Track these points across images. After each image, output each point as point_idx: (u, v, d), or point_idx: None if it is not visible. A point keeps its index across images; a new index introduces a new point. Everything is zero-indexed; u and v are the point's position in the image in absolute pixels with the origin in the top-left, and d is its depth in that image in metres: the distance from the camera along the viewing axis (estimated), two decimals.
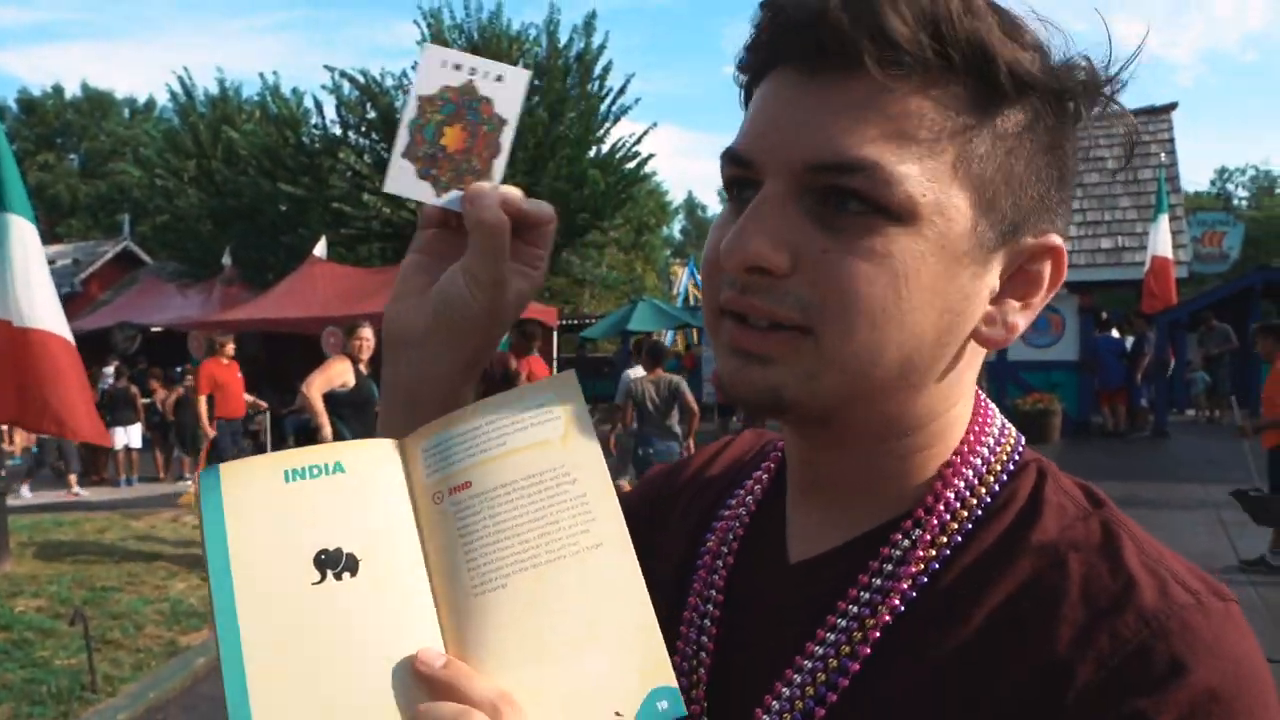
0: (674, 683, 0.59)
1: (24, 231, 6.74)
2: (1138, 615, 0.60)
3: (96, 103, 50.16)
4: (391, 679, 0.55)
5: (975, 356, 0.72)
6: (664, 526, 0.90)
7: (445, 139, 0.72)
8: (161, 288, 24.34)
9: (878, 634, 0.67)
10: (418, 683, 0.56)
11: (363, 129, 21.86)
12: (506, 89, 0.73)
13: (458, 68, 0.73)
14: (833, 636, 0.69)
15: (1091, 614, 0.61)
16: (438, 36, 20.43)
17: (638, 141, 21.73)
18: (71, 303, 27.11)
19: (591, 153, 21.44)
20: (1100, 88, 0.67)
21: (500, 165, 0.73)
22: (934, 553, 0.68)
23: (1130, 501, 8.37)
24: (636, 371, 8.36)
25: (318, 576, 0.56)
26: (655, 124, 22.02)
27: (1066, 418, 15.71)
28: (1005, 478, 0.72)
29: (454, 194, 0.72)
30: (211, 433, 11.17)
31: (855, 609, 0.69)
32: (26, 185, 7.00)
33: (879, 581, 0.69)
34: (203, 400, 11.08)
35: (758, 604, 0.77)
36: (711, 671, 0.76)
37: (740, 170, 0.69)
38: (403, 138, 0.71)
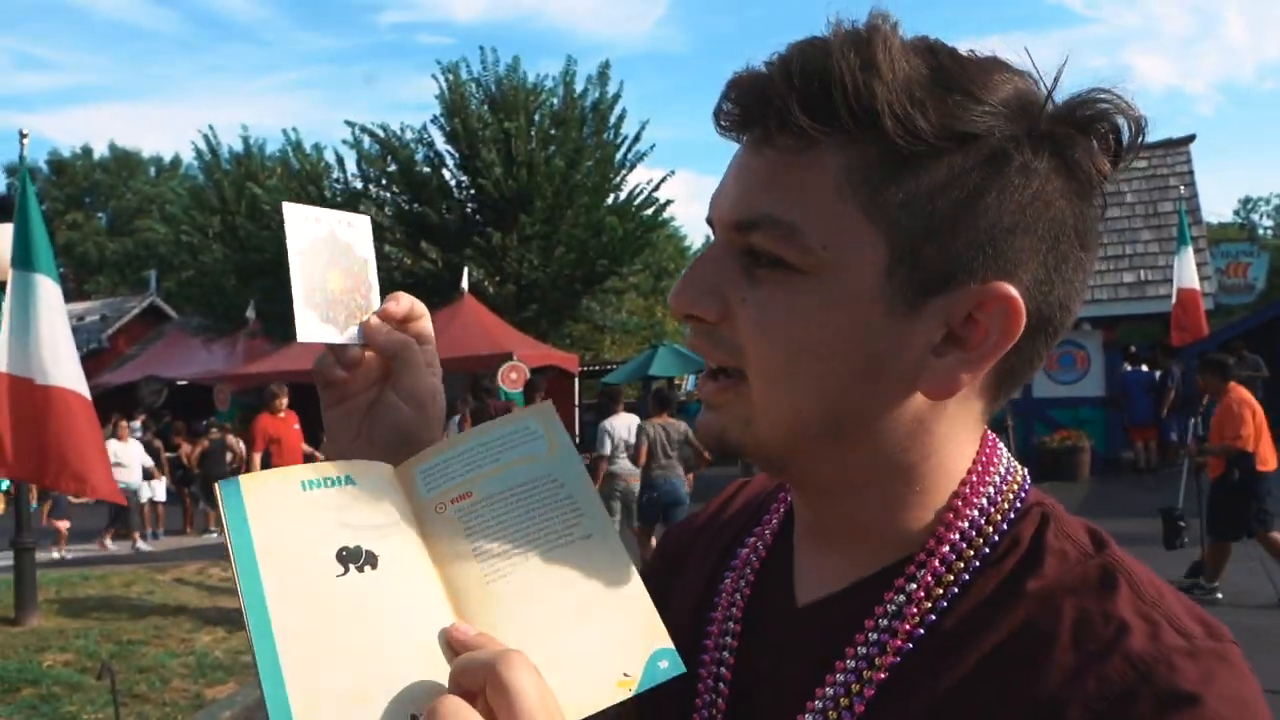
0: (671, 645, 0.65)
1: (49, 291, 6.90)
2: (1125, 659, 0.60)
3: (124, 162, 51.19)
4: (421, 655, 0.60)
5: (942, 407, 0.70)
6: (680, 574, 0.93)
7: (331, 284, 0.80)
8: (187, 342, 24.66)
9: (882, 676, 0.68)
10: (446, 656, 0.61)
11: (383, 182, 22.19)
12: (356, 232, 0.83)
13: (318, 220, 0.81)
14: (842, 678, 0.70)
15: (1081, 658, 0.61)
16: (456, 89, 20.75)
17: (655, 188, 21.95)
18: (99, 358, 27.52)
19: (609, 200, 21.65)
20: (1052, 133, 0.65)
21: (375, 297, 0.82)
22: (940, 593, 0.69)
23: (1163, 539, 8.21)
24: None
25: (341, 570, 0.61)
26: (673, 171, 22.26)
27: (1095, 454, 15.51)
28: (1006, 525, 0.72)
29: (352, 330, 0.80)
30: None
31: (864, 650, 0.70)
32: (55, 244, 7.15)
33: (885, 622, 0.70)
34: (257, 458, 9.81)
35: (770, 645, 0.78)
36: (728, 712, 0.78)
37: (710, 227, 0.74)
38: (298, 290, 0.78)
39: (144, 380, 21.07)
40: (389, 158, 21.63)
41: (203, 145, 25.43)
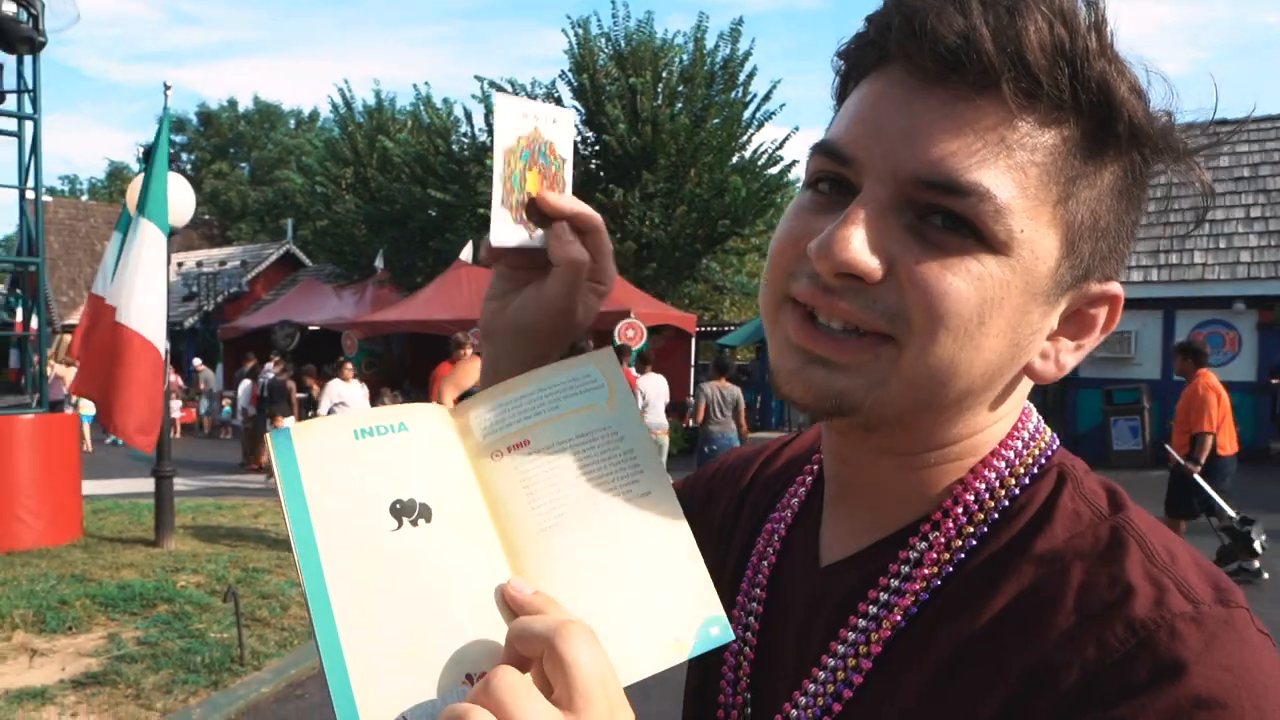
0: (722, 612, 0.64)
1: (149, 235, 7.30)
2: (1126, 624, 0.59)
3: (266, 115, 53.19)
4: (476, 611, 0.59)
5: (1025, 385, 0.72)
6: (719, 506, 0.95)
7: (529, 185, 0.78)
8: (319, 288, 25.54)
9: (889, 634, 0.68)
10: (501, 611, 0.59)
11: None
12: (561, 129, 0.80)
13: (524, 115, 0.78)
14: (852, 636, 0.70)
15: (1083, 622, 0.60)
16: (585, 44, 20.72)
17: (779, 147, 21.54)
18: (238, 301, 28.84)
19: (734, 159, 21.33)
20: (1190, 153, 0.66)
21: (568, 199, 0.80)
22: (948, 556, 0.69)
23: None
24: (714, 386, 10.20)
25: (395, 524, 0.60)
26: (797, 128, 21.80)
27: (1241, 443, 14.61)
28: (1026, 482, 0.71)
29: (540, 233, 0.79)
30: None
31: (874, 610, 0.70)
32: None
33: (896, 583, 0.70)
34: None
35: (793, 605, 0.79)
36: (754, 668, 0.79)
37: (835, 166, 0.67)
38: (498, 190, 0.76)
39: (279, 324, 21.94)
40: None
41: (338, 99, 26.14)
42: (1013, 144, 0.62)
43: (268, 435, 0.62)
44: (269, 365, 17.23)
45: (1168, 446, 8.49)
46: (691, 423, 9.95)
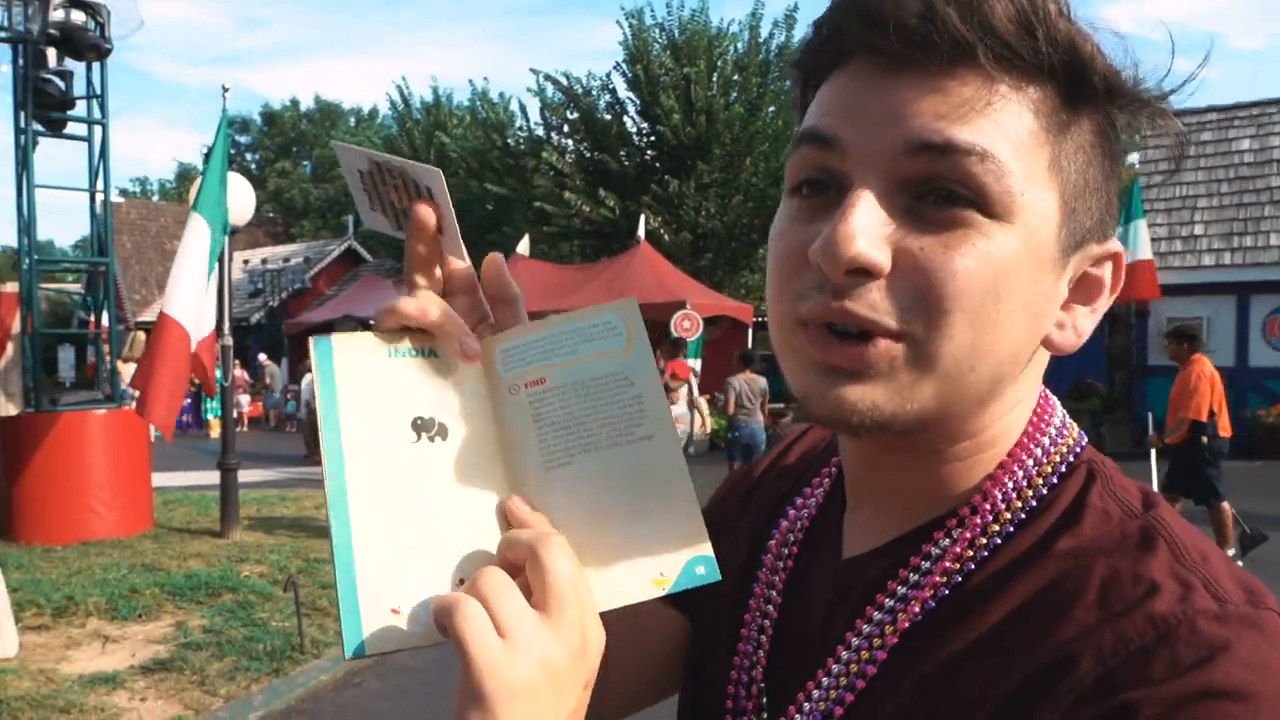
0: (710, 552, 0.66)
1: (197, 227, 7.61)
2: (1147, 618, 0.57)
3: (327, 113, 54.06)
4: (475, 525, 0.65)
5: (1042, 360, 0.71)
6: (744, 511, 0.93)
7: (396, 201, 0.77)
8: (379, 284, 25.93)
9: (906, 625, 0.67)
10: (501, 528, 0.65)
11: (564, 129, 22.49)
12: (432, 179, 0.74)
13: (370, 159, 0.76)
14: (867, 629, 0.69)
15: (1102, 616, 0.59)
16: (639, 35, 20.69)
17: None
18: (301, 297, 29.39)
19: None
20: (1161, 98, 0.66)
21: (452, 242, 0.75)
22: (971, 553, 0.67)
23: None
24: (741, 379, 10.97)
25: (414, 437, 0.65)
26: None
27: None
28: (1055, 480, 0.69)
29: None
30: None
31: (891, 603, 0.69)
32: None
33: (915, 578, 0.69)
34: None
35: (813, 598, 0.78)
36: (768, 663, 0.78)
37: (820, 154, 0.65)
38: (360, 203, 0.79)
39: (341, 320, 22.35)
40: (571, 106, 21.88)
41: (396, 96, 26.58)
42: (998, 107, 0.61)
43: (311, 338, 0.66)
44: None
45: (1151, 430, 8.78)
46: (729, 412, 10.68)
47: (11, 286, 9.58)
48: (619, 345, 0.72)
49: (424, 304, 0.68)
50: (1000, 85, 0.61)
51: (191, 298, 7.47)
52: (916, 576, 0.68)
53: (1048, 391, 0.74)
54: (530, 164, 21.62)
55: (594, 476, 0.68)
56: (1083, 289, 0.68)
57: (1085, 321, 0.69)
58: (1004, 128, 0.61)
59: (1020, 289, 0.62)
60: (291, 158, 51.90)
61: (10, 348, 9.46)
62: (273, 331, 27.66)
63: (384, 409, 0.66)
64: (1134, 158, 16.70)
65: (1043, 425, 0.72)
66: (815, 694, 0.71)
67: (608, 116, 21.63)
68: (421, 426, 0.66)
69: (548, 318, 0.75)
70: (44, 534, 8.46)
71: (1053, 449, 0.71)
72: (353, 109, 54.87)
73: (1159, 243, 14.24)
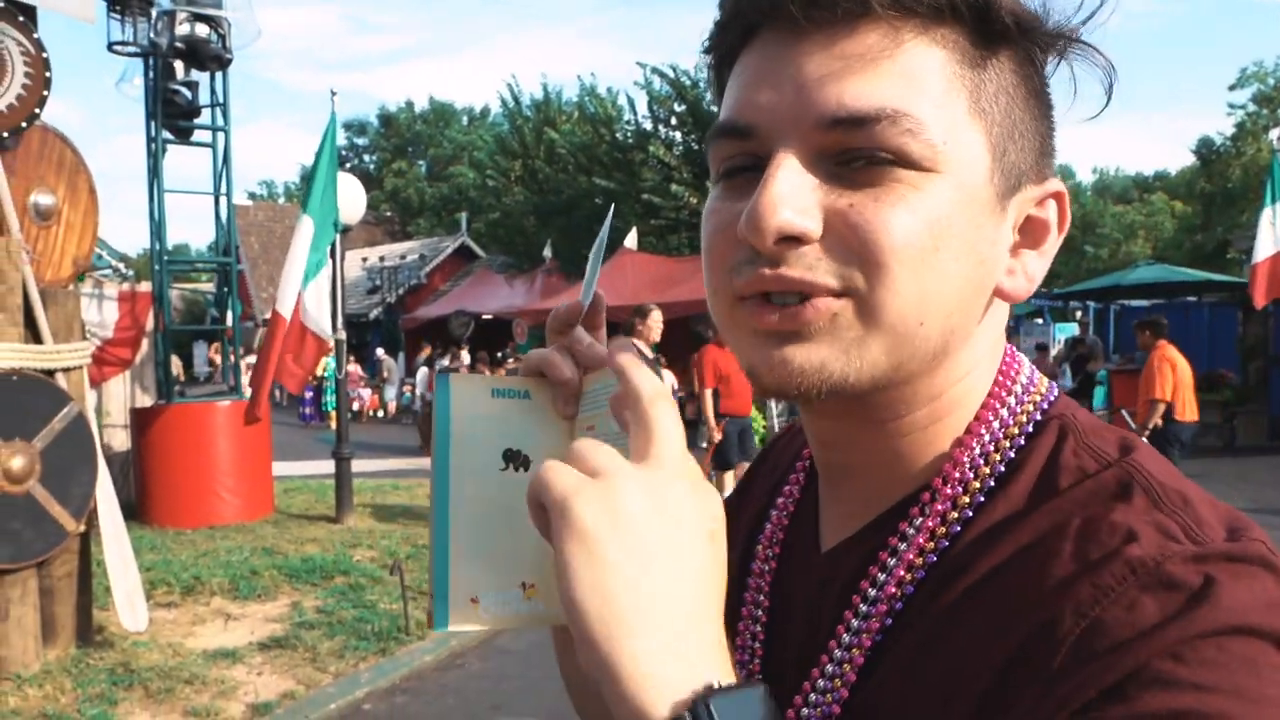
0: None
1: (303, 226, 8.06)
2: (1125, 563, 0.55)
3: (440, 113, 55.36)
4: (542, 544, 0.69)
5: (999, 312, 0.70)
6: (736, 518, 0.93)
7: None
8: (491, 278, 26.48)
9: (886, 609, 0.66)
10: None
11: (672, 122, 22.52)
12: None
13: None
14: (856, 622, 0.68)
15: (1079, 568, 0.57)
16: None
17: None
18: (418, 293, 30.20)
19: None
20: (1074, 32, 0.65)
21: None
22: (944, 529, 0.66)
23: None
24: None
25: (504, 465, 0.74)
26: None
27: None
28: (1022, 441, 0.68)
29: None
30: (717, 435, 8.56)
31: (874, 591, 0.68)
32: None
33: (892, 562, 0.67)
34: (708, 395, 8.48)
35: (797, 594, 0.77)
36: (764, 661, 0.78)
37: (738, 144, 0.65)
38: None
39: (454, 314, 22.93)
40: (678, 98, 21.89)
41: (506, 94, 27.04)
42: (904, 61, 0.60)
43: (435, 376, 0.77)
44: (445, 358, 18.02)
45: (1124, 412, 9.47)
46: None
47: (146, 286, 10.17)
48: None
49: (560, 363, 0.74)
50: (904, 35, 0.61)
51: (291, 292, 7.85)
52: (894, 561, 0.67)
53: (1013, 348, 0.73)
54: (638, 157, 21.73)
55: None
56: (1029, 232, 0.67)
57: (1035, 265, 0.68)
58: (913, 78, 0.60)
59: (959, 236, 0.62)
60: (407, 158, 53.36)
61: (145, 343, 10.07)
62: (390, 326, 28.53)
63: (484, 439, 0.75)
64: (1276, 133, 15.67)
65: (1008, 384, 0.70)
66: (812, 696, 0.69)
67: (715, 107, 21.52)
68: (510, 457, 0.75)
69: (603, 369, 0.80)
70: (174, 518, 8.98)
71: (1019, 407, 0.69)
72: (465, 108, 56.07)
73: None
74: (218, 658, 5.56)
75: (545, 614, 0.71)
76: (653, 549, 0.53)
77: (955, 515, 0.66)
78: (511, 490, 0.73)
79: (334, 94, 8.61)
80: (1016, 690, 0.55)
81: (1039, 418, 0.69)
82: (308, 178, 8.25)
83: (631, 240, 18.38)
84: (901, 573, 0.66)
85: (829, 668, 0.68)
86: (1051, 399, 0.71)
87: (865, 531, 0.71)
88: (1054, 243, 0.68)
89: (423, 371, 18.77)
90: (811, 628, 0.72)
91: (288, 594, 6.88)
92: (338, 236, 8.74)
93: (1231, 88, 35.14)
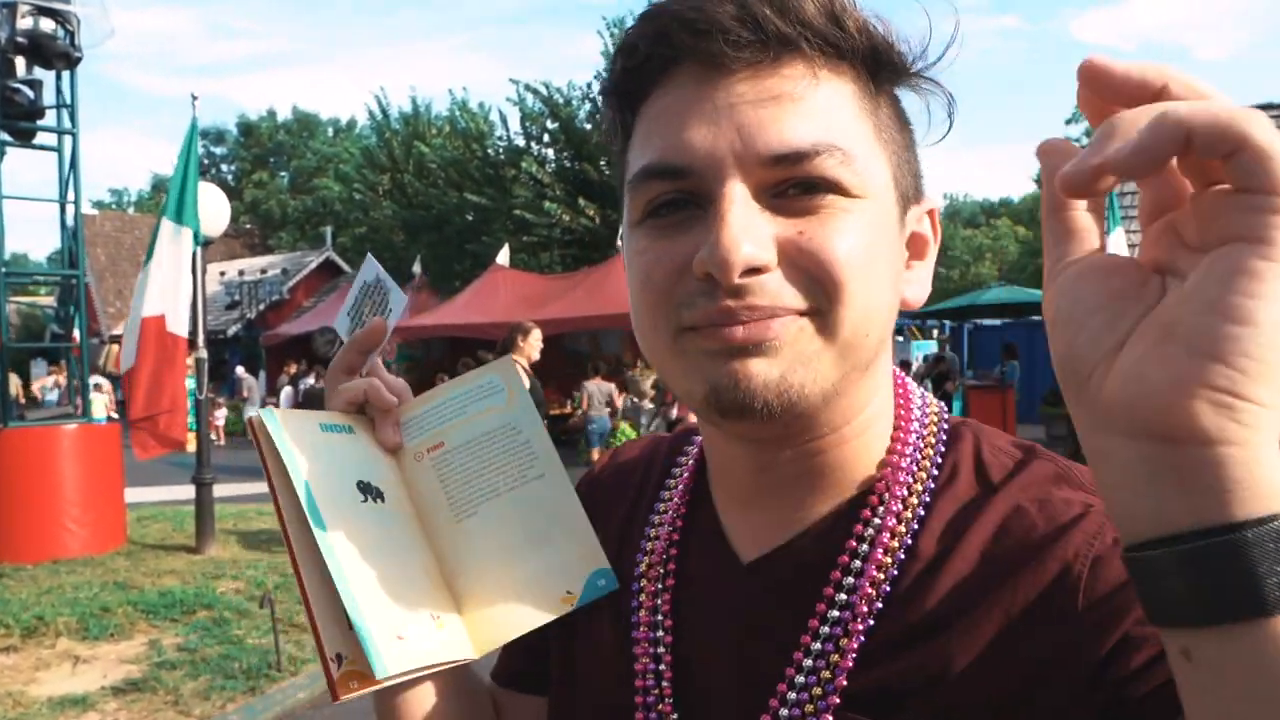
0: (608, 566, 0.79)
1: (185, 237, 7.88)
2: (1096, 513, 0.67)
3: (304, 124, 53.81)
4: (423, 569, 0.75)
5: (892, 331, 0.74)
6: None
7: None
8: None
9: (880, 606, 0.70)
10: (423, 583, 0.75)
11: (544, 139, 22.45)
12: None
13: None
14: (825, 629, 0.70)
15: (1059, 530, 0.67)
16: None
17: None
18: (280, 309, 29.20)
19: None
20: (926, 69, 0.72)
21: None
22: (903, 528, 0.72)
23: None
24: (594, 384, 13.52)
25: (362, 498, 0.74)
26: None
27: None
28: (944, 448, 0.76)
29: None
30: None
31: (843, 596, 0.71)
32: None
33: (858, 563, 0.71)
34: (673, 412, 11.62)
35: (715, 613, 0.77)
36: (674, 679, 0.77)
37: (673, 184, 0.67)
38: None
39: (318, 331, 22.17)
40: (551, 115, 21.84)
41: (374, 107, 26.42)
42: (825, 95, 0.66)
43: (259, 412, 0.73)
44: (309, 377, 17.40)
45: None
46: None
47: None
48: (502, 400, 0.84)
49: (375, 390, 0.81)
50: (819, 71, 0.66)
51: (186, 309, 7.55)
52: (859, 562, 0.71)
53: (895, 368, 0.80)
54: (510, 174, 21.54)
55: (500, 519, 0.78)
56: (915, 246, 0.76)
57: (925, 273, 0.77)
58: (835, 113, 0.66)
59: (883, 253, 0.69)
60: (269, 169, 51.68)
61: None
62: (250, 344, 27.44)
63: (334, 472, 0.74)
64: None
65: (910, 399, 0.78)
66: (790, 695, 0.70)
67: (588, 126, 21.62)
68: (365, 489, 0.75)
69: (437, 386, 0.86)
70: (13, 552, 8.25)
71: (926, 418, 0.78)
72: (331, 120, 54.69)
73: (1134, 249, 14.40)
74: (66, 705, 5.10)
75: (461, 644, 0.73)
76: None
77: (909, 514, 0.72)
78: (381, 521, 0.74)
79: (195, 98, 8.20)
80: (1043, 633, 0.64)
81: (946, 427, 0.78)
82: (170, 185, 7.81)
83: (503, 257, 18.20)
84: (873, 570, 0.70)
85: (807, 662, 0.70)
86: (945, 409, 0.81)
87: (805, 537, 0.74)
88: (933, 253, 0.77)
89: (287, 390, 18.06)
90: (761, 632, 0.74)
91: (144, 632, 6.40)
92: (198, 249, 8.30)
93: (1068, 121, 37.73)
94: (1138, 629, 0.61)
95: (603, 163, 20.93)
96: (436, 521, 0.78)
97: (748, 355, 0.65)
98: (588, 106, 21.81)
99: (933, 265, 0.77)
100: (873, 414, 0.74)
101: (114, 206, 54.79)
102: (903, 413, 0.77)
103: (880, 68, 0.70)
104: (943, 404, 0.81)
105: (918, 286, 0.75)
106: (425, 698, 0.80)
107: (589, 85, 21.87)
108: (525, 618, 0.74)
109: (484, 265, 19.48)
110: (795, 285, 0.65)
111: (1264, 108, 16.72)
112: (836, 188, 0.65)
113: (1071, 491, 0.70)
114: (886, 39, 0.69)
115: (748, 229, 0.64)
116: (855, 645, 0.69)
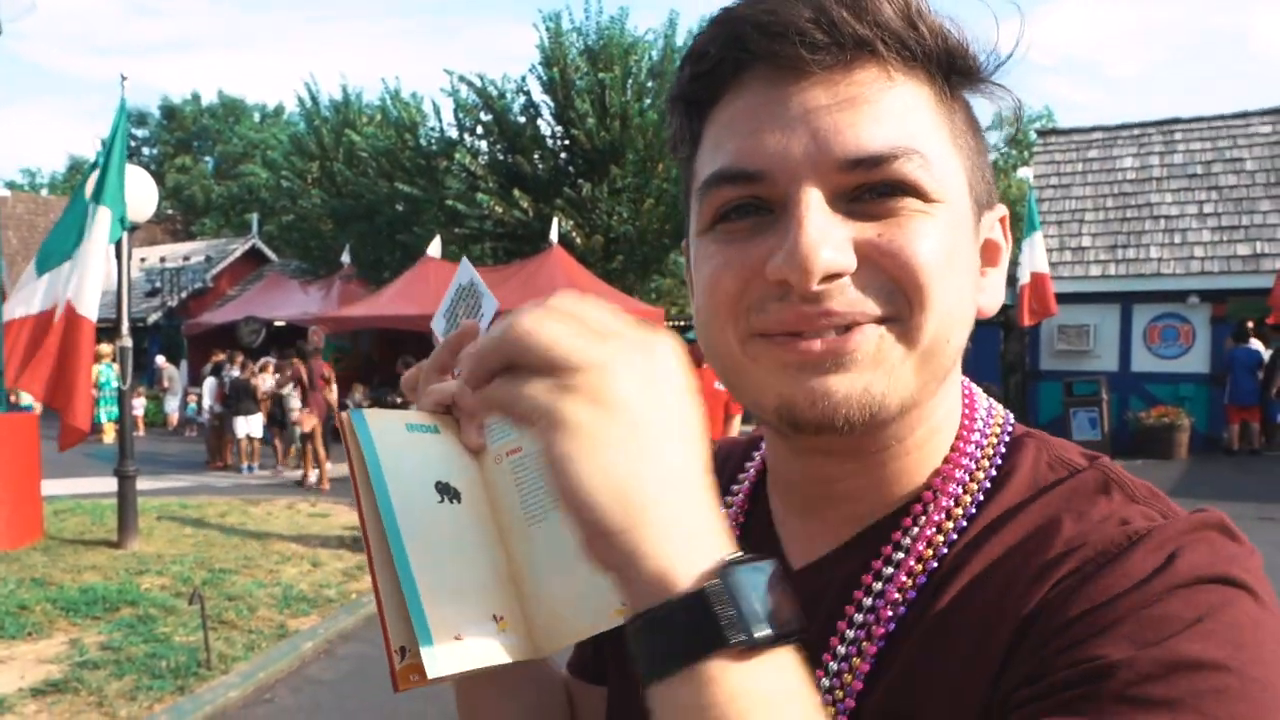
0: None
1: (103, 220, 7.55)
2: (1119, 525, 0.64)
3: (230, 109, 52.39)
4: (494, 570, 0.76)
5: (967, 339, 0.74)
6: None
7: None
8: (285, 284, 25.25)
9: (890, 615, 0.69)
10: (501, 579, 0.76)
11: (478, 131, 22.28)
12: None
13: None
14: (850, 633, 0.70)
15: (1064, 551, 0.64)
16: (555, 39, 20.65)
17: None
18: (203, 297, 28.44)
19: None
20: (993, 74, 0.72)
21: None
22: (941, 538, 0.70)
23: (1266, 519, 7.85)
24: None
25: (439, 498, 0.75)
26: None
27: (1195, 433, 14.92)
28: (1000, 459, 0.74)
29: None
30: None
31: (870, 600, 0.70)
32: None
33: (889, 570, 0.71)
34: None
35: None
36: None
37: (746, 189, 0.67)
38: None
39: (244, 320, 21.71)
40: (485, 107, 21.69)
41: (304, 93, 25.88)
42: (901, 99, 0.66)
43: (347, 413, 0.74)
44: (235, 369, 17.05)
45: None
46: None
47: None
48: None
49: (463, 392, 0.77)
50: (894, 74, 0.66)
51: (98, 295, 7.32)
52: (890, 569, 0.70)
53: (966, 378, 0.79)
54: (443, 165, 21.34)
55: (565, 527, 0.76)
56: (988, 252, 0.75)
57: (998, 280, 0.75)
58: (911, 116, 0.66)
59: (961, 258, 0.68)
60: (192, 153, 50.23)
61: None
62: (171, 333, 26.71)
63: (415, 472, 0.75)
64: (1027, 172, 17.42)
65: (975, 408, 0.77)
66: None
67: (522, 119, 21.50)
68: (442, 490, 0.76)
69: None
70: None
71: (988, 429, 0.76)
72: (257, 105, 53.34)
73: (1051, 253, 14.86)
74: None
75: (520, 646, 0.74)
76: (649, 418, 0.53)
77: (951, 525, 0.70)
78: (455, 522, 0.75)
79: (124, 78, 8.02)
80: (1036, 641, 0.61)
81: (1009, 434, 0.76)
82: (98, 167, 7.60)
83: (435, 249, 18.03)
84: (903, 578, 0.69)
85: (824, 681, 0.70)
86: (1011, 419, 0.79)
87: (852, 544, 0.74)
88: (1006, 259, 0.77)
89: (210, 381, 17.65)
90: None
91: (65, 630, 6.30)
92: (125, 234, 8.13)
93: (988, 129, 38.68)
94: (1058, 658, 0.59)
95: (536, 156, 20.89)
96: (509, 524, 0.79)
97: (826, 371, 0.65)
98: (522, 100, 21.72)
99: (1005, 271, 0.76)
100: (938, 423, 0.73)
101: (26, 188, 52.72)
102: (966, 422, 0.75)
103: (954, 72, 0.69)
104: (1009, 414, 0.79)
105: (992, 294, 0.74)
106: (499, 684, 0.86)
107: (523, 79, 21.77)
108: (580, 627, 0.75)
109: (415, 256, 19.28)
110: (873, 291, 0.64)
111: (1169, 123, 17.43)
112: (915, 191, 0.65)
113: (1118, 504, 0.67)
114: (961, 43, 0.68)
115: (826, 233, 0.63)
116: (867, 667, 0.69)
